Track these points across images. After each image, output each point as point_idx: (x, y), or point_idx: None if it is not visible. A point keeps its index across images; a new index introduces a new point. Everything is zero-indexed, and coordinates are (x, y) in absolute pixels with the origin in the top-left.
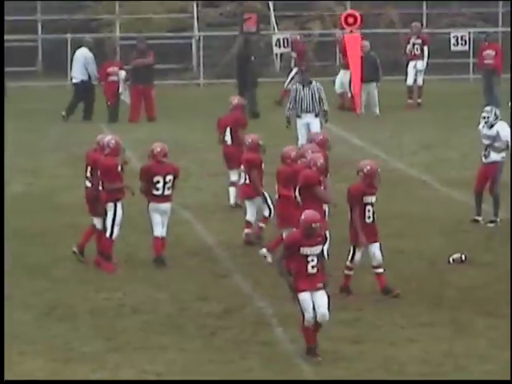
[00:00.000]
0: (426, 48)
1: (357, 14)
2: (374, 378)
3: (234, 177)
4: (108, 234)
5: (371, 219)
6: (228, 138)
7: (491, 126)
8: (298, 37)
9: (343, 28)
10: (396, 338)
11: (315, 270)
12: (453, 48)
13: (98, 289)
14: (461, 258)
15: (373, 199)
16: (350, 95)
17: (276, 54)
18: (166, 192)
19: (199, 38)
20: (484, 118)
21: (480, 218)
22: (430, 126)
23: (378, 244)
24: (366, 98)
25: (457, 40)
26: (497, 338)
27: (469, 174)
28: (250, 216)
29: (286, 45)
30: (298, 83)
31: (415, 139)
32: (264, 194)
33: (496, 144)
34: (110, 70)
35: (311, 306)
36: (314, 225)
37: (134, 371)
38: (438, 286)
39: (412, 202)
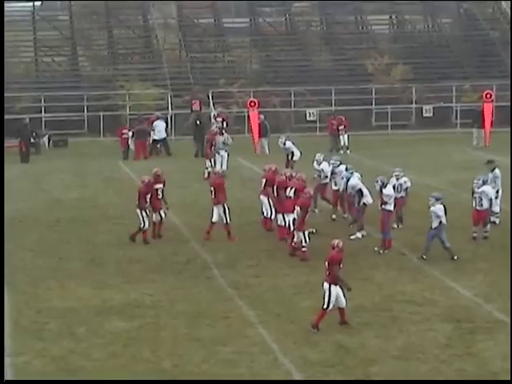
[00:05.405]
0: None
1: (256, 100)
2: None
3: None
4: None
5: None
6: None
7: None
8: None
9: (248, 108)
10: None
11: None
12: (308, 118)
13: (119, 249)
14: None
15: None
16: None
17: (212, 123)
18: None
19: (172, 115)
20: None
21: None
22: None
23: None
24: (261, 146)
25: (310, 114)
26: None
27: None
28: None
29: (217, 118)
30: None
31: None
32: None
33: (337, 178)
34: (124, 130)
35: None
36: None
37: (137, 294)
38: None
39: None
